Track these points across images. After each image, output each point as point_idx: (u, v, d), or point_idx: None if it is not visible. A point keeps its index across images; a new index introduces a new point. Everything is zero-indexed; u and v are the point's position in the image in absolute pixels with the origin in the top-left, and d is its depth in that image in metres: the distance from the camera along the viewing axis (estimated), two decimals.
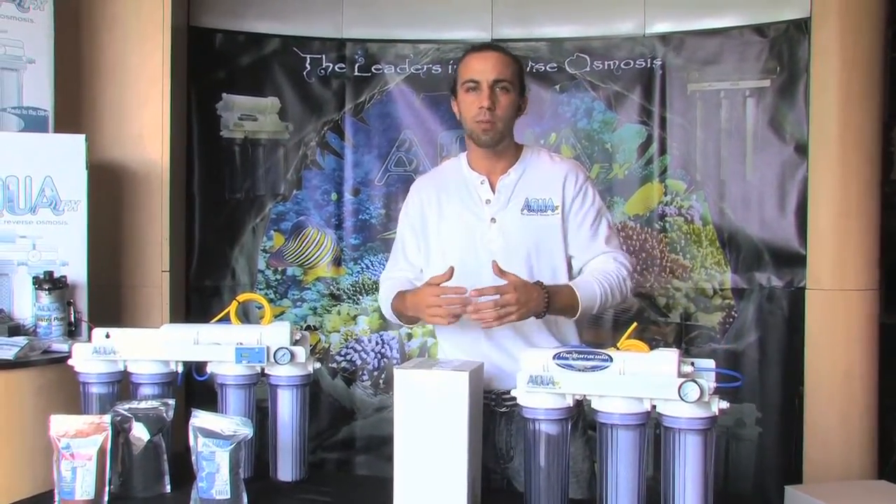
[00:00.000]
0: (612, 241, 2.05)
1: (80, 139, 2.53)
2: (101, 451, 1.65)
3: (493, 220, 2.01)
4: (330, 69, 3.43)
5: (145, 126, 2.88)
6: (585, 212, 2.02)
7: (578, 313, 1.92)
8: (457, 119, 2.08)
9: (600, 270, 1.98)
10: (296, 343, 1.83)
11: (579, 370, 1.53)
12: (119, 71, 2.89)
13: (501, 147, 2.02)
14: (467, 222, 2.03)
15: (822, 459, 3.03)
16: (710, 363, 1.53)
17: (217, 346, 1.81)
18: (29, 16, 2.60)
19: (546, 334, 1.99)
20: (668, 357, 1.49)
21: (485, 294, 1.79)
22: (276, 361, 1.80)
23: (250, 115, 3.38)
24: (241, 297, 1.98)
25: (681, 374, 1.47)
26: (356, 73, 3.44)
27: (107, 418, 1.69)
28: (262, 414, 1.88)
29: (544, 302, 1.84)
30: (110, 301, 2.80)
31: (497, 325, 1.82)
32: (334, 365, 3.44)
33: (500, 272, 1.82)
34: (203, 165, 3.30)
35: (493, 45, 2.11)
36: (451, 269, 1.87)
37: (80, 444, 1.64)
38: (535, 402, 1.56)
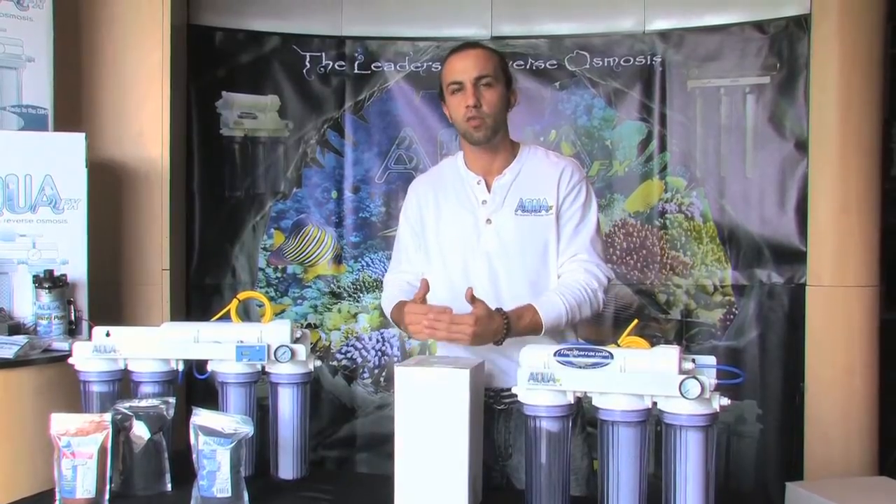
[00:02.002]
0: (594, 246, 2.01)
1: (79, 137, 2.53)
2: (102, 450, 1.65)
3: (488, 221, 2.01)
4: (329, 67, 3.43)
5: (145, 124, 2.88)
6: (573, 212, 2.01)
7: (542, 333, 1.90)
8: None
9: (567, 284, 1.96)
10: (296, 341, 1.83)
11: (580, 367, 1.53)
12: (119, 69, 2.89)
13: (496, 143, 2.01)
14: (464, 223, 2.03)
15: (823, 456, 3.03)
16: (711, 360, 1.53)
17: (217, 344, 1.81)
18: (28, 14, 2.59)
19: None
20: (668, 354, 1.49)
21: (441, 318, 1.78)
22: (276, 359, 1.79)
23: (250, 113, 3.37)
24: (242, 295, 1.98)
25: (682, 371, 1.47)
26: (356, 71, 3.44)
27: (107, 417, 1.69)
28: (262, 412, 1.88)
29: (503, 332, 1.83)
30: (110, 299, 2.80)
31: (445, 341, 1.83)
32: (335, 363, 3.44)
33: (472, 299, 1.81)
34: (203, 163, 3.30)
35: (472, 43, 2.09)
36: (426, 282, 1.88)
37: (80, 442, 1.64)
38: (536, 399, 1.56)
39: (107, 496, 1.65)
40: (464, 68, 1.96)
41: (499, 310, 1.85)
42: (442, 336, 1.74)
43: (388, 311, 2.10)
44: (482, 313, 1.80)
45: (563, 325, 1.92)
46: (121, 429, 1.72)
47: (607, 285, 2.01)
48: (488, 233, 2.00)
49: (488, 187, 2.03)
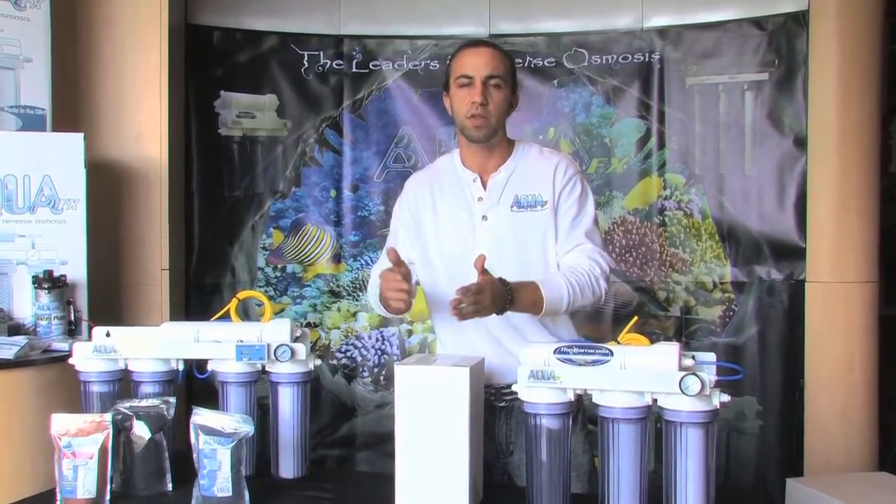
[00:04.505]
0: (593, 237, 2.01)
1: (78, 138, 2.52)
2: (103, 450, 1.65)
3: (484, 217, 2.01)
4: (328, 66, 3.43)
5: (144, 124, 2.88)
6: (570, 205, 2.00)
7: (542, 311, 1.89)
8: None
9: (571, 268, 1.95)
10: (296, 340, 1.83)
11: (580, 364, 1.53)
12: (117, 69, 2.88)
13: (493, 143, 2.02)
14: (460, 220, 2.03)
15: (823, 452, 3.03)
16: (711, 356, 1.53)
17: (217, 343, 1.81)
18: (26, 14, 2.59)
19: (542, 330, 1.99)
20: (668, 350, 1.49)
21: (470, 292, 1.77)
22: (276, 358, 1.79)
23: (248, 112, 3.37)
24: (242, 295, 1.98)
25: (682, 368, 1.47)
26: (354, 70, 3.44)
27: (108, 417, 1.69)
28: (262, 411, 1.88)
29: (508, 298, 1.82)
30: (110, 300, 2.80)
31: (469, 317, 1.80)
32: (334, 362, 3.44)
33: (483, 270, 1.81)
34: (202, 163, 3.30)
35: (487, 41, 2.10)
36: (394, 251, 1.90)
37: (81, 442, 1.64)
38: (537, 396, 1.56)
39: (107, 496, 1.65)
40: (476, 65, 1.96)
41: (500, 279, 1.84)
42: (469, 312, 1.76)
43: (373, 296, 2.09)
44: (490, 286, 1.79)
45: (563, 307, 1.90)
46: (121, 429, 1.72)
47: (609, 274, 2.00)
48: (484, 229, 2.00)
49: (484, 184, 2.03)
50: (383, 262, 2.17)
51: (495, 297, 1.79)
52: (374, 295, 2.07)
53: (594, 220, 2.03)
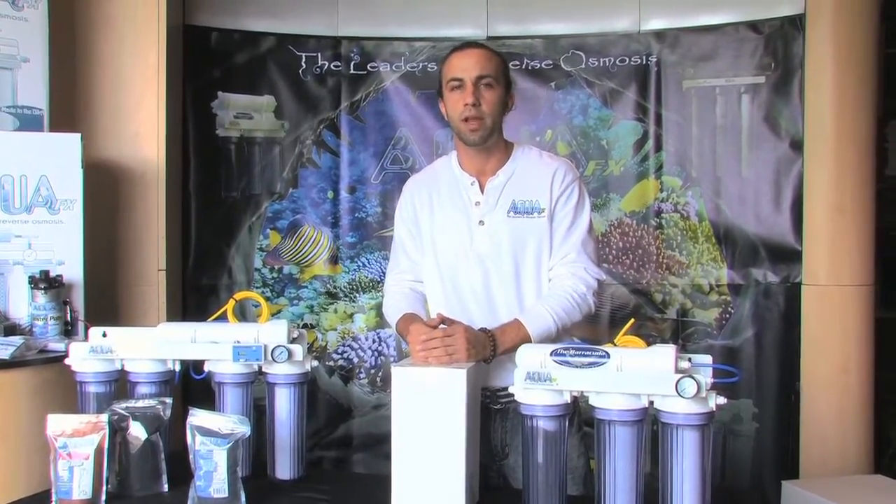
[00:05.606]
0: (586, 248, 1.99)
1: (75, 138, 2.52)
2: (99, 451, 1.65)
3: (481, 222, 2.00)
4: (325, 67, 3.43)
5: (141, 125, 2.88)
6: (565, 213, 2.00)
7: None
8: None
9: (554, 294, 1.95)
10: (293, 341, 1.83)
11: (577, 367, 1.53)
12: (114, 69, 2.88)
13: (490, 144, 2.00)
14: (457, 224, 2.02)
15: (819, 454, 3.04)
16: (707, 359, 1.53)
17: (214, 344, 1.81)
18: (23, 14, 2.59)
19: None
20: (665, 353, 1.49)
21: (435, 338, 1.76)
22: (273, 360, 1.80)
23: (246, 113, 3.37)
24: (239, 296, 1.98)
25: (678, 370, 1.47)
26: (352, 71, 3.44)
27: (104, 417, 1.69)
28: (259, 412, 1.88)
29: (491, 346, 1.83)
30: (107, 300, 2.79)
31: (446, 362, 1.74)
32: (331, 363, 3.44)
33: (443, 320, 1.82)
34: (199, 164, 3.30)
35: (475, 43, 2.09)
36: (440, 316, 1.86)
37: (77, 443, 1.64)
38: (533, 398, 1.56)
39: (103, 497, 1.65)
40: (465, 66, 1.96)
41: (482, 329, 1.85)
42: (439, 354, 1.72)
43: (392, 321, 2.07)
44: (463, 326, 1.80)
45: (553, 335, 1.90)
46: (117, 429, 1.71)
47: (597, 287, 1.99)
48: (481, 234, 1.99)
49: (481, 188, 2.02)
50: (393, 272, 2.16)
51: (472, 343, 1.77)
52: (395, 316, 2.05)
53: (588, 229, 2.02)
